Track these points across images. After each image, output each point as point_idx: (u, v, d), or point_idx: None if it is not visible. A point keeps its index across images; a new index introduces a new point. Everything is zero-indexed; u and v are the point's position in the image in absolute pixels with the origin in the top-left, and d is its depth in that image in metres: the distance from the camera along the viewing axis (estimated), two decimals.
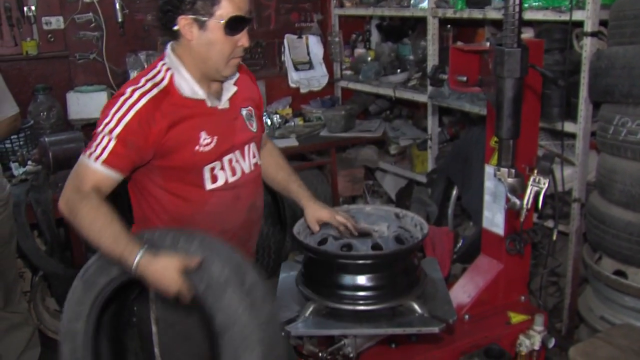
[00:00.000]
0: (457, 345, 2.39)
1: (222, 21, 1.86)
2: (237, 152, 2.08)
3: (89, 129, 3.84)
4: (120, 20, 4.20)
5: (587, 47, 3.00)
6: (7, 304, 3.14)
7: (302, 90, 4.81)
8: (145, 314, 2.06)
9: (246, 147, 2.11)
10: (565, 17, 3.03)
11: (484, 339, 2.43)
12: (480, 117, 3.77)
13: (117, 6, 4.17)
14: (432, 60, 4.01)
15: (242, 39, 1.93)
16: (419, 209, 3.81)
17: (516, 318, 2.52)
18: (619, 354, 2.35)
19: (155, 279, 1.74)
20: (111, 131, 1.82)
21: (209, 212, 2.03)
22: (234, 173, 2.07)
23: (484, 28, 4.12)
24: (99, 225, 1.76)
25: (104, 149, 1.83)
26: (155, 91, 1.89)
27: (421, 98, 4.11)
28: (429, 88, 3.97)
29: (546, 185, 2.13)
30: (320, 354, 2.22)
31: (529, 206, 2.13)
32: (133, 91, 1.88)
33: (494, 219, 2.57)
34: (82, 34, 4.15)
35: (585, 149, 3.16)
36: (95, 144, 1.84)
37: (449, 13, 3.80)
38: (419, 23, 4.51)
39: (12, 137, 3.53)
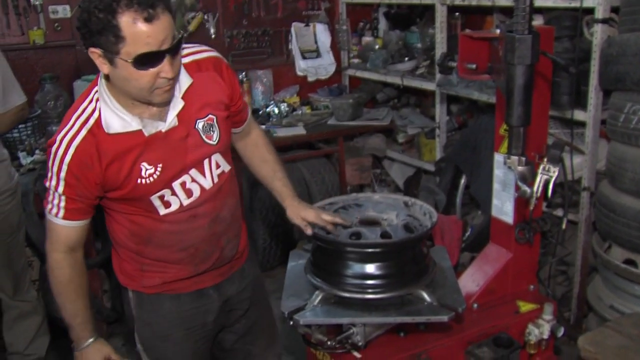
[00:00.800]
0: (466, 334, 2.38)
1: (129, 60, 1.60)
2: (193, 171, 1.91)
3: None
4: None
5: (597, 34, 2.97)
6: (16, 293, 3.16)
7: (310, 79, 4.79)
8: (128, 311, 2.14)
9: (205, 162, 1.93)
10: (575, 3, 3.00)
11: (493, 328, 2.42)
12: (488, 105, 3.75)
13: None
14: (440, 48, 3.98)
15: (163, 71, 1.66)
16: (427, 198, 3.80)
17: (525, 307, 2.51)
18: (629, 343, 2.33)
19: None
20: (56, 189, 1.80)
21: (165, 232, 1.95)
22: (189, 195, 1.92)
23: (492, 15, 4.08)
24: (63, 300, 1.92)
25: (58, 206, 1.83)
26: (83, 132, 1.75)
27: (429, 86, 4.09)
28: (437, 76, 3.95)
29: (556, 173, 2.12)
30: (328, 343, 2.21)
31: (539, 194, 2.11)
32: (62, 139, 1.77)
33: (503, 208, 2.55)
34: None
35: (595, 137, 3.14)
36: (49, 199, 1.84)
37: (457, 0, 3.77)
38: (426, 11, 4.48)
39: (19, 126, 3.53)
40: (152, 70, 1.65)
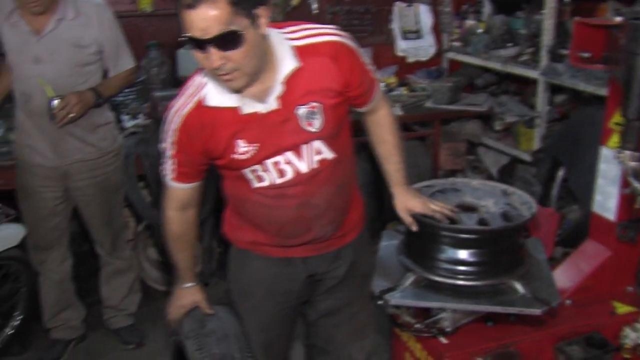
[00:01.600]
0: (557, 330, 2.32)
1: (184, 38, 1.66)
2: (289, 153, 1.88)
3: None
4: None
5: None
6: (114, 250, 3.30)
7: (409, 60, 4.72)
8: None
9: (303, 147, 1.89)
10: None
11: (586, 327, 2.35)
12: (594, 97, 3.60)
13: None
14: (548, 35, 3.83)
15: (208, 60, 1.67)
16: (522, 188, 3.68)
17: (622, 309, 2.42)
18: None
19: (173, 300, 2.19)
20: (166, 152, 1.93)
21: (255, 203, 1.99)
22: (281, 175, 1.91)
23: (606, 2, 3.89)
24: (172, 249, 2.13)
25: (169, 169, 1.95)
26: (191, 104, 1.83)
27: (532, 74, 3.95)
28: (542, 64, 3.81)
29: None
30: (416, 325, 2.21)
31: None
32: (174, 107, 1.87)
33: (605, 204, 2.46)
34: None
35: None
36: (165, 162, 1.96)
37: None
38: None
39: (125, 90, 3.65)
40: (200, 55, 1.68)
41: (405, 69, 4.67)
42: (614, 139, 2.29)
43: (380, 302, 2.15)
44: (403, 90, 4.41)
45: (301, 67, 1.81)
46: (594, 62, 2.34)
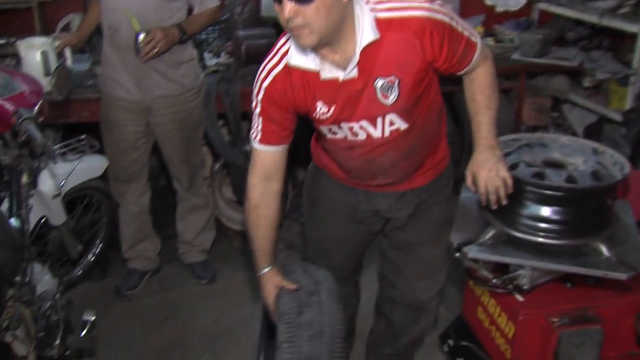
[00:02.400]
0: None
1: None
2: (364, 122, 1.92)
3: (279, 27, 3.88)
4: None
5: None
6: (191, 186, 3.35)
7: (498, 9, 4.51)
8: None
9: (378, 119, 1.91)
10: None
11: None
12: None
13: None
14: None
15: (282, 11, 1.67)
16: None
17: None
18: None
19: (261, 287, 2.08)
20: (255, 111, 1.95)
21: (330, 144, 2.07)
22: (354, 135, 1.95)
23: None
24: (246, 223, 2.09)
25: (257, 129, 1.96)
26: (281, 65, 1.86)
27: (632, 28, 3.72)
28: None
29: None
30: (493, 280, 2.16)
31: None
32: (265, 66, 1.90)
33: None
34: None
35: None
36: (252, 124, 1.98)
37: None
38: None
39: (208, 29, 3.65)
40: (277, 5, 1.69)
41: (493, 18, 4.47)
42: None
43: (457, 255, 2.11)
44: (490, 41, 4.22)
45: (381, 40, 1.78)
46: None
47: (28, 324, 2.28)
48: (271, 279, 2.05)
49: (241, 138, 3.57)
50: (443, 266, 2.32)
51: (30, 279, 2.46)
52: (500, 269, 2.19)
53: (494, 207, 1.93)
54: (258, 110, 1.93)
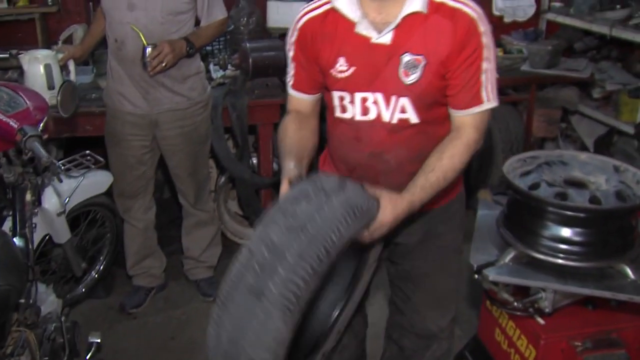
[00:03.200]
0: None
1: None
2: (378, 94, 1.84)
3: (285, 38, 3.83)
4: None
5: None
6: (197, 201, 3.29)
7: (506, 20, 4.47)
8: None
9: (392, 98, 1.83)
10: None
11: None
12: None
13: None
14: None
15: None
16: (623, 162, 3.48)
17: None
18: None
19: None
20: (288, 55, 1.96)
21: (337, 138, 2.01)
22: (364, 113, 1.87)
23: None
24: (280, 138, 1.95)
25: (290, 74, 1.97)
26: (320, 10, 1.87)
27: None
28: None
29: None
30: (514, 304, 2.09)
31: None
32: (304, 9, 1.91)
33: None
34: None
35: None
36: (288, 69, 1.99)
37: None
38: None
39: (214, 40, 3.60)
40: None
41: (500, 29, 4.42)
42: None
43: (477, 277, 2.05)
44: (498, 52, 4.18)
45: (425, 18, 1.76)
46: None
47: (33, 349, 2.21)
48: (290, 172, 1.80)
49: (247, 152, 3.51)
50: (454, 297, 2.23)
51: (34, 300, 2.40)
52: (521, 291, 2.12)
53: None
54: (291, 54, 1.94)
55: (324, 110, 2.05)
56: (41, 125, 2.34)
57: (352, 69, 1.83)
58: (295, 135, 1.92)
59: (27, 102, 2.40)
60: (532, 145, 4.18)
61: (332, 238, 1.48)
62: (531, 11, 4.49)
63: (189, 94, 3.01)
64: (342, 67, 1.84)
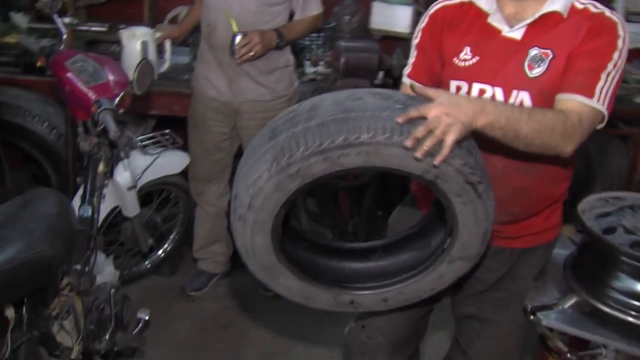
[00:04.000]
0: None
1: None
2: (498, 90, 1.74)
3: (387, 41, 3.73)
4: None
5: None
6: None
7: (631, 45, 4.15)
8: None
9: (513, 92, 1.72)
10: None
11: None
12: None
13: None
14: None
15: None
16: None
17: None
18: None
19: None
20: (412, 43, 1.90)
21: None
22: None
23: None
24: None
25: (409, 62, 1.90)
26: (456, 0, 1.83)
27: None
28: None
29: None
30: (569, 355, 1.91)
31: None
32: (437, 2, 1.88)
33: None
34: None
35: None
36: (409, 59, 1.91)
37: None
38: None
39: (312, 35, 3.56)
40: None
41: None
42: None
43: (532, 318, 1.88)
44: None
45: (564, 20, 1.70)
46: None
47: (78, 316, 2.25)
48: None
49: None
50: (518, 348, 2.09)
51: (90, 268, 2.45)
52: (579, 343, 1.93)
53: (419, 156, 1.38)
54: (416, 41, 1.89)
55: None
56: (117, 99, 2.38)
57: (475, 59, 1.77)
58: None
59: (109, 75, 2.45)
60: (638, 184, 3.86)
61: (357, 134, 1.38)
62: None
63: (274, 87, 2.98)
64: (465, 56, 1.78)
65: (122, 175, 2.70)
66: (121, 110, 2.41)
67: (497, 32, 1.75)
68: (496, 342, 2.05)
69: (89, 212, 2.51)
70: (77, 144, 2.52)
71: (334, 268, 1.82)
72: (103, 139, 2.46)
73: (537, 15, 1.71)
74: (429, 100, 1.44)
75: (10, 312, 1.88)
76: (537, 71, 1.70)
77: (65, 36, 2.69)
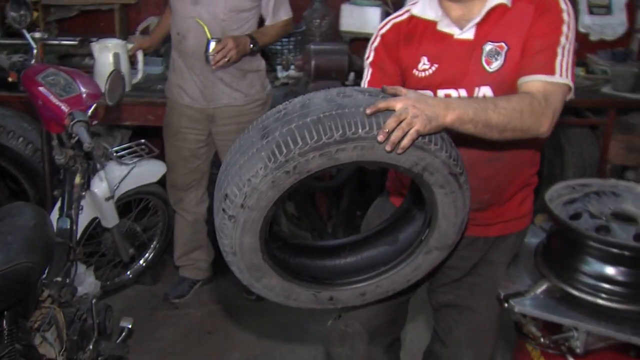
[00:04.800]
0: None
1: None
2: (462, 91, 1.79)
3: (358, 43, 3.78)
4: None
5: None
6: None
7: (592, 38, 4.22)
8: None
9: (475, 90, 1.77)
10: None
11: None
12: None
13: None
14: None
15: None
16: None
17: None
18: None
19: None
20: (365, 62, 1.92)
21: None
22: None
23: None
24: None
25: (364, 81, 1.91)
26: (405, 16, 1.87)
27: None
28: None
29: None
30: (542, 339, 1.96)
31: None
32: (386, 19, 1.91)
33: None
34: None
35: None
36: (363, 77, 1.94)
37: None
38: None
39: (283, 40, 3.60)
40: None
41: (585, 47, 4.18)
42: None
43: (506, 306, 1.93)
44: (580, 71, 3.97)
45: (508, 9, 1.75)
46: None
47: (60, 327, 2.26)
48: None
49: None
50: (494, 336, 2.14)
51: (72, 279, 2.46)
52: (552, 326, 1.98)
53: (388, 148, 1.44)
54: (370, 60, 1.91)
55: None
56: (89, 111, 2.40)
57: (434, 67, 1.81)
58: None
59: (81, 88, 2.46)
60: (609, 172, 3.94)
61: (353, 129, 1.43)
62: (621, 30, 4.22)
63: (247, 91, 3.02)
64: (424, 66, 1.82)
65: (99, 187, 2.72)
66: (95, 122, 2.43)
67: (449, 36, 1.79)
68: (473, 330, 2.09)
69: (68, 224, 2.52)
70: (53, 158, 2.54)
71: (311, 266, 1.86)
72: (78, 151, 2.48)
73: (483, 12, 1.75)
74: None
75: None
76: (495, 65, 1.75)
77: (35, 51, 2.70)
